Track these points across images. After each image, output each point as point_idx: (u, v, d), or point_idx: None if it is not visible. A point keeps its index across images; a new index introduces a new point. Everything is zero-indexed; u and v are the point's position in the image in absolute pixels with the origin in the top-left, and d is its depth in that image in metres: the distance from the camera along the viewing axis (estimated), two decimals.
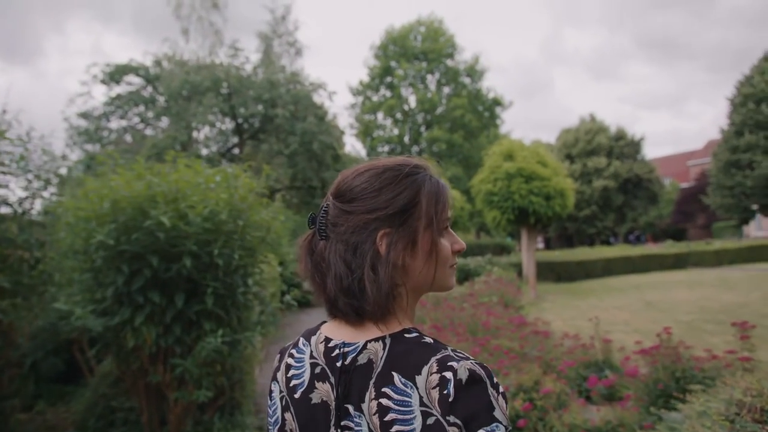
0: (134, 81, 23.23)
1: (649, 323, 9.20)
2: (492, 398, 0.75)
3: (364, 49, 58.66)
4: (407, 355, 0.81)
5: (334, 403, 0.84)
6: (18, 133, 4.26)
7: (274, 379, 0.97)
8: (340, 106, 54.37)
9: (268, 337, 8.98)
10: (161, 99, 22.59)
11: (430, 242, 0.87)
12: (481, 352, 4.71)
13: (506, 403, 0.77)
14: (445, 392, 0.75)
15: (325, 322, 0.96)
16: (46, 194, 4.75)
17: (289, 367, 0.94)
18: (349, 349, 0.86)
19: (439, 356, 0.79)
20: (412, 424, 0.76)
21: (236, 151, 21.93)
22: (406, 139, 36.22)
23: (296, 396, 0.90)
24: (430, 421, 0.75)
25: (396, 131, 36.24)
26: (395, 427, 0.77)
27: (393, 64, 35.68)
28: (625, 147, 35.96)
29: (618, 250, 22.17)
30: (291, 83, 20.77)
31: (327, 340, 0.90)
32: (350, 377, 0.84)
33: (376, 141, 36.01)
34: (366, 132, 36.16)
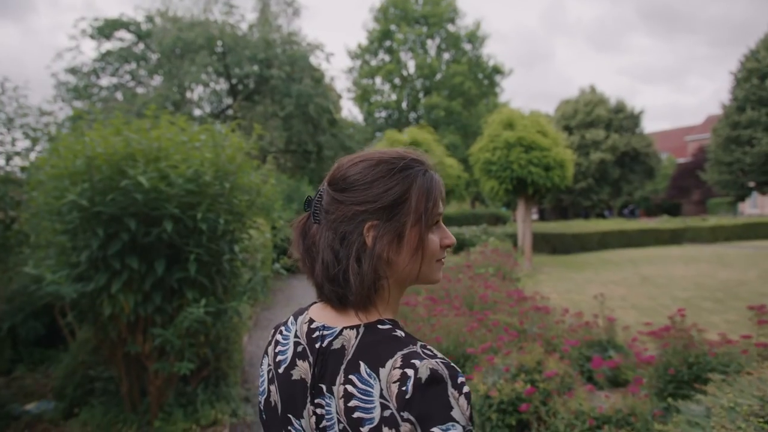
0: (126, 37, 22.52)
1: (646, 299, 9.07)
2: (451, 398, 0.75)
3: (364, 12, 57.45)
4: (376, 346, 0.83)
5: (310, 381, 0.87)
6: None
7: (266, 352, 1.00)
8: (337, 69, 53.32)
9: (259, 305, 8.81)
10: (154, 57, 21.93)
11: (418, 237, 0.88)
12: (479, 327, 4.51)
13: (468, 403, 0.76)
14: (403, 389, 0.76)
15: (316, 302, 0.98)
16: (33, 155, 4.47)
17: (277, 343, 0.98)
18: (328, 332, 0.88)
19: (405, 351, 0.80)
20: (372, 413, 0.78)
21: (230, 112, 21.42)
22: (404, 105, 35.65)
23: (280, 371, 0.93)
24: (386, 413, 0.77)
25: (394, 97, 35.56)
26: (356, 414, 0.79)
27: (393, 27, 34.86)
28: (624, 120, 35.44)
29: (614, 224, 21.99)
30: (287, 44, 20.18)
31: (311, 321, 0.93)
32: (326, 359, 0.86)
33: (374, 106, 35.42)
34: (363, 97, 35.54)
